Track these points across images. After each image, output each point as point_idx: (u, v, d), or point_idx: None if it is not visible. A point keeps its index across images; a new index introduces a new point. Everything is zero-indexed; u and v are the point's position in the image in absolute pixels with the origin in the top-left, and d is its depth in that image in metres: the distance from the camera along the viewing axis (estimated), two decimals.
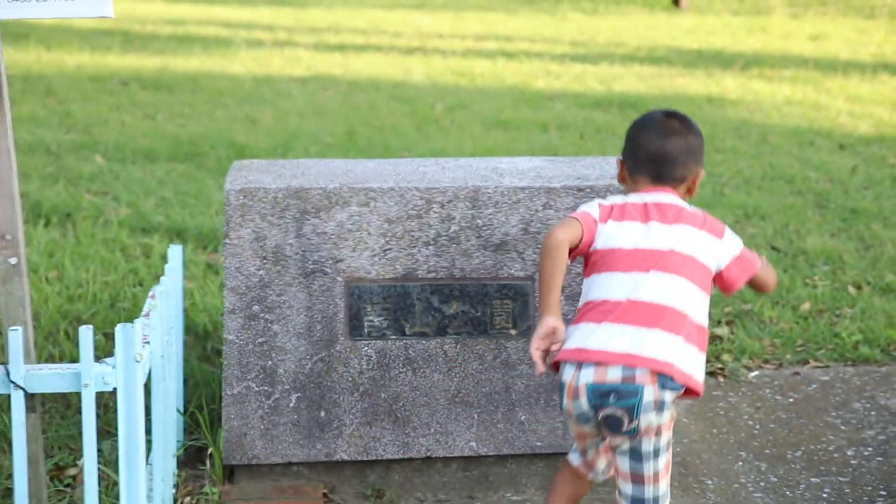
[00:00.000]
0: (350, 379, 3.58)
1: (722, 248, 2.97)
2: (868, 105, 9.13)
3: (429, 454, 3.61)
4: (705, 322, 2.90)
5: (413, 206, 3.59)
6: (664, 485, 2.89)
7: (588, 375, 2.82)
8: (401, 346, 3.62)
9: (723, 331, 4.68)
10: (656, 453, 2.85)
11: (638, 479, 2.87)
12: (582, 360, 2.83)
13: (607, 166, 3.84)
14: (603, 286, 2.91)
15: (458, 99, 9.55)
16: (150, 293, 3.17)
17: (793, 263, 5.45)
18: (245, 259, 3.53)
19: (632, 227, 2.97)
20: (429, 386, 3.62)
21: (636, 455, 2.85)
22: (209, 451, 3.56)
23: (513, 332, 3.66)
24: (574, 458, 3.08)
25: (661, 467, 2.87)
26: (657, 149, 3.04)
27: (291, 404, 3.55)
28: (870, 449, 3.81)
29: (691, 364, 2.84)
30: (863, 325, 4.71)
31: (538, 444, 3.64)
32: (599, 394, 2.81)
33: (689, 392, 2.87)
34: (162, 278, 3.35)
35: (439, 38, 12.95)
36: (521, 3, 16.39)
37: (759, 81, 10.27)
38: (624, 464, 2.88)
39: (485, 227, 3.61)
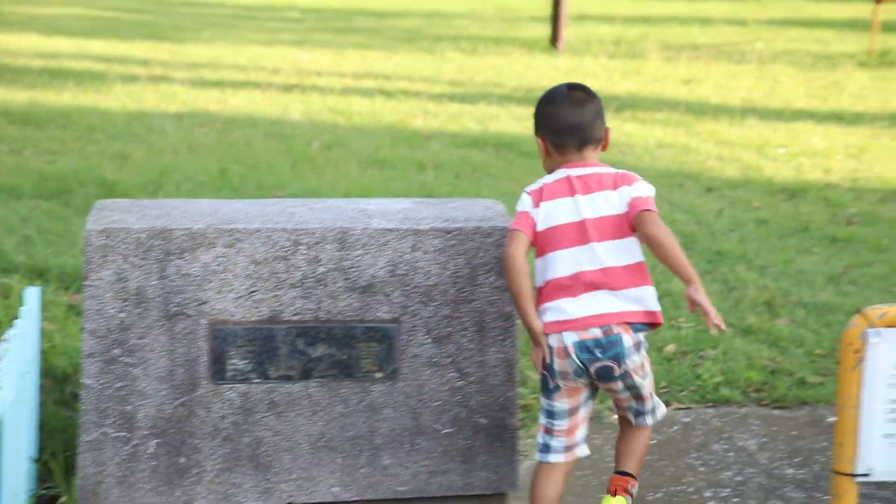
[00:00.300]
0: (212, 424, 3.53)
1: (632, 190, 3.40)
2: (736, 149, 9.35)
3: (290, 500, 3.56)
4: (643, 257, 3.38)
5: (280, 248, 3.57)
6: (656, 397, 3.49)
7: (572, 336, 3.31)
8: (265, 390, 3.58)
9: None
10: (644, 377, 3.39)
11: (639, 399, 3.43)
12: (563, 330, 3.32)
13: (475, 208, 3.86)
14: (557, 265, 3.36)
15: (335, 137, 9.53)
16: (3, 337, 3.08)
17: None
18: (105, 301, 3.46)
19: (563, 204, 3.40)
20: (292, 430, 3.59)
21: (632, 387, 3.38)
22: (62, 500, 3.46)
23: (378, 375, 3.65)
24: (558, 457, 3.43)
25: (650, 384, 3.43)
26: (577, 119, 3.48)
27: (150, 450, 3.48)
28: (727, 490, 3.88)
29: (651, 302, 3.35)
30: (724, 366, 4.81)
31: (401, 488, 3.63)
32: (585, 349, 3.30)
33: (653, 325, 3.39)
34: (17, 321, 3.27)
35: (318, 75, 12.93)
36: (402, 41, 16.46)
37: (632, 124, 10.45)
38: (624, 395, 3.41)
39: (352, 269, 3.60)
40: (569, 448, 3.41)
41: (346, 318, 3.62)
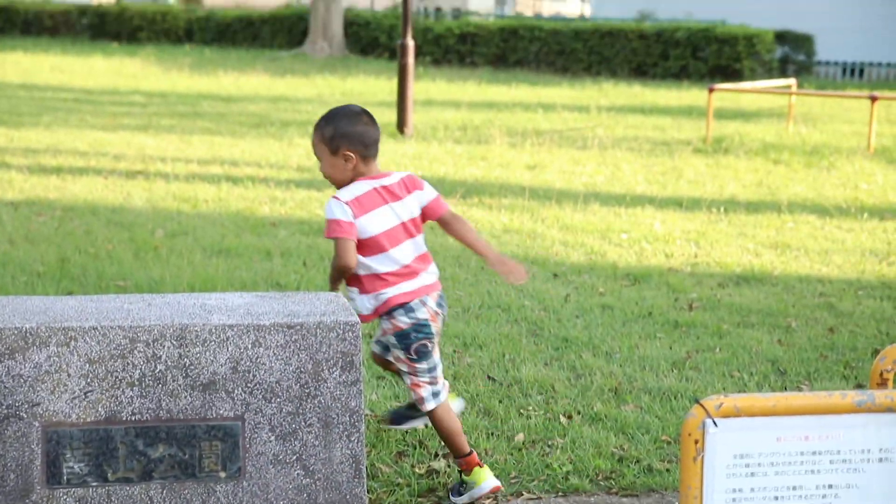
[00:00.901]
0: None
1: (424, 194, 4.38)
2: (580, 234, 9.50)
3: None
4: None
5: (116, 346, 3.46)
6: None
7: (432, 301, 4.35)
8: (103, 494, 3.45)
9: (440, 464, 4.68)
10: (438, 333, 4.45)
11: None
12: (417, 297, 4.29)
13: (318, 302, 3.82)
14: (386, 262, 4.26)
15: (180, 225, 9.38)
16: None
17: (507, 393, 5.53)
18: None
19: (382, 213, 4.25)
20: None
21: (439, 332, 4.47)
22: None
23: (222, 474, 3.55)
24: (445, 394, 4.42)
25: None
26: (377, 134, 4.34)
27: None
28: None
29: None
30: (573, 455, 4.81)
31: None
32: (440, 305, 4.42)
33: None
34: None
35: (162, 161, 12.74)
36: (249, 127, 16.37)
37: (478, 209, 10.54)
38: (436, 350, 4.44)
39: (192, 367, 3.52)
40: (444, 386, 4.43)
41: (188, 417, 3.52)
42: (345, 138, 4.26)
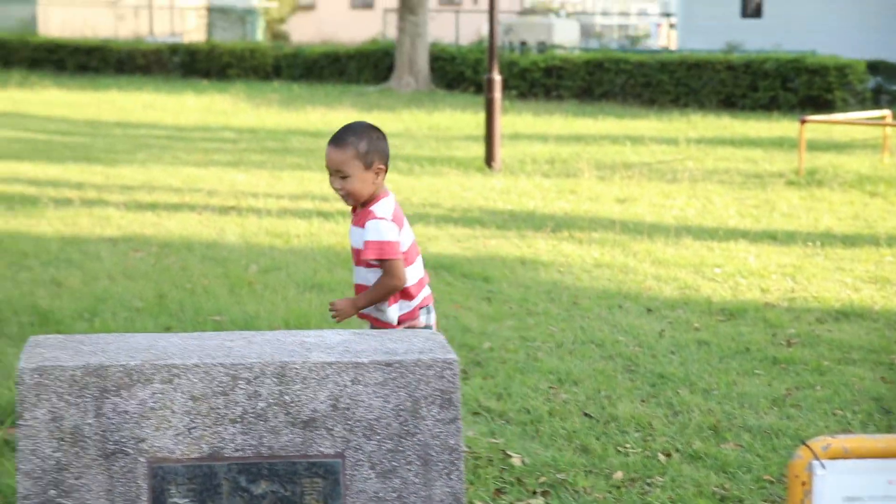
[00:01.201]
0: None
1: None
2: (672, 269, 9.41)
3: None
4: None
5: (218, 383, 3.49)
6: None
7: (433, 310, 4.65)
8: None
9: (538, 501, 4.65)
10: None
11: None
12: (431, 301, 4.60)
13: (415, 339, 3.82)
14: (416, 271, 4.46)
15: (273, 260, 9.47)
16: None
17: (605, 430, 5.48)
18: (41, 441, 3.37)
19: (407, 226, 4.46)
20: None
21: None
22: None
23: None
24: None
25: None
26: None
27: None
28: None
29: None
30: (673, 494, 4.74)
31: None
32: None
33: None
34: None
35: (254, 197, 12.90)
36: None
37: (569, 243, 10.50)
38: None
39: (293, 404, 3.53)
40: None
41: (289, 454, 3.54)
42: (377, 153, 4.39)
